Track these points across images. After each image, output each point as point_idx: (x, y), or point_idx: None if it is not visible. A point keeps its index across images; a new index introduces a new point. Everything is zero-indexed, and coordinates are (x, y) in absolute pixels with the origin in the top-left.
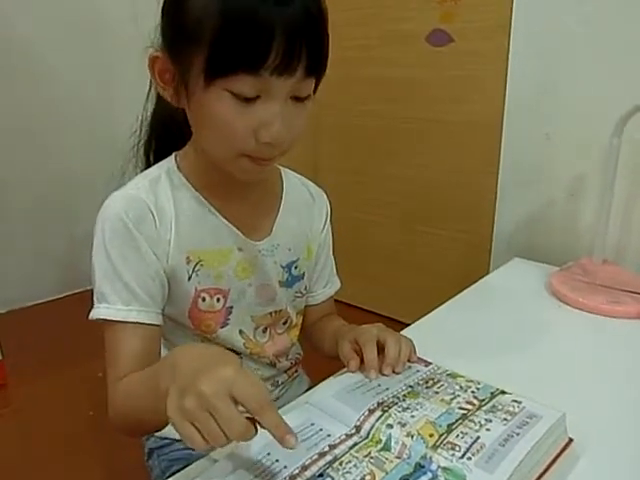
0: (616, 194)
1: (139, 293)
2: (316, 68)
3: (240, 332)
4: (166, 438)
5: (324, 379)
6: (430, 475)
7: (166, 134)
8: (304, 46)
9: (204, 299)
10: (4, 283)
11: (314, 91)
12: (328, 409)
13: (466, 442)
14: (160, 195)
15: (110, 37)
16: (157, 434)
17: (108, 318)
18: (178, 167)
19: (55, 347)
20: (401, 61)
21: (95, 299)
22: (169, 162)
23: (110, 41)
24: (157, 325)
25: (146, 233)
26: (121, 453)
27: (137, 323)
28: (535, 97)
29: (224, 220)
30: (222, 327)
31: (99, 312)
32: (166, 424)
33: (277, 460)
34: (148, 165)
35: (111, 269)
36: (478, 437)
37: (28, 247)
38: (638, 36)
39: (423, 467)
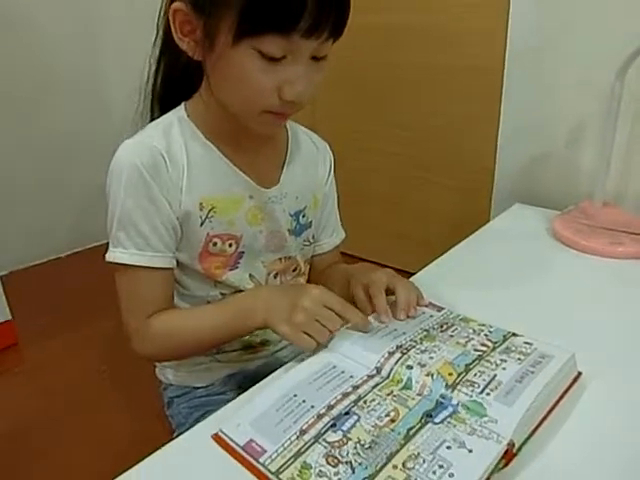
0: (616, 138)
1: (153, 240)
2: (340, 30)
3: (250, 276)
4: (186, 387)
5: None
6: (451, 409)
7: (175, 84)
8: (333, 9)
9: (215, 244)
10: (10, 243)
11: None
12: (348, 353)
13: (484, 380)
14: (173, 142)
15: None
16: (176, 383)
17: (123, 262)
18: (188, 116)
19: (64, 305)
20: (399, 6)
21: (110, 242)
22: (179, 111)
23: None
24: (169, 268)
25: (160, 181)
26: (137, 406)
27: (150, 268)
28: (536, 43)
29: (235, 168)
30: (231, 270)
31: (115, 255)
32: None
33: (304, 401)
34: (152, 113)
35: (126, 217)
36: (495, 375)
37: (32, 206)
38: None
39: (443, 403)
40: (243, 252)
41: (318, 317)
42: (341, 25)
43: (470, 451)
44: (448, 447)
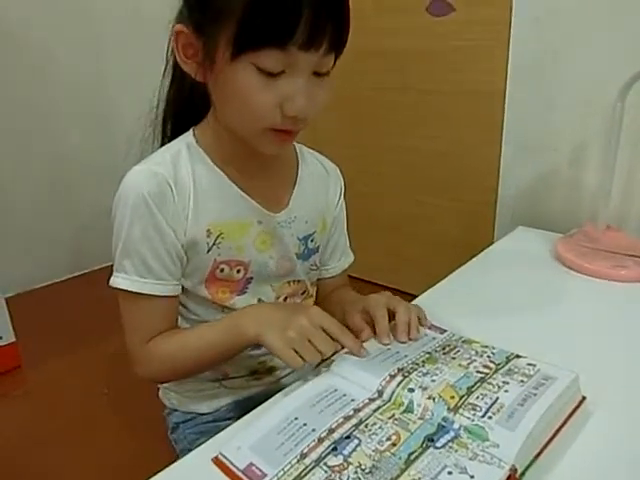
0: (618, 160)
1: (156, 268)
2: (339, 43)
3: (259, 301)
4: (191, 412)
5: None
6: (453, 434)
7: (184, 109)
8: (330, 21)
9: (222, 270)
10: (14, 266)
11: (332, 66)
12: (349, 376)
13: (486, 403)
14: (180, 169)
15: (102, 16)
16: (181, 409)
17: (125, 288)
18: (197, 141)
19: (67, 327)
20: (400, 32)
21: (114, 268)
22: (188, 137)
23: (102, 20)
24: (172, 296)
25: (166, 210)
26: (138, 430)
27: (152, 295)
28: (538, 65)
29: (243, 193)
30: (239, 295)
31: (118, 282)
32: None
33: (305, 424)
34: (163, 140)
35: (131, 244)
36: (497, 398)
37: (35, 229)
38: None
39: (445, 427)
40: (252, 278)
41: (311, 337)
42: (340, 37)
43: (472, 477)
44: (449, 472)
